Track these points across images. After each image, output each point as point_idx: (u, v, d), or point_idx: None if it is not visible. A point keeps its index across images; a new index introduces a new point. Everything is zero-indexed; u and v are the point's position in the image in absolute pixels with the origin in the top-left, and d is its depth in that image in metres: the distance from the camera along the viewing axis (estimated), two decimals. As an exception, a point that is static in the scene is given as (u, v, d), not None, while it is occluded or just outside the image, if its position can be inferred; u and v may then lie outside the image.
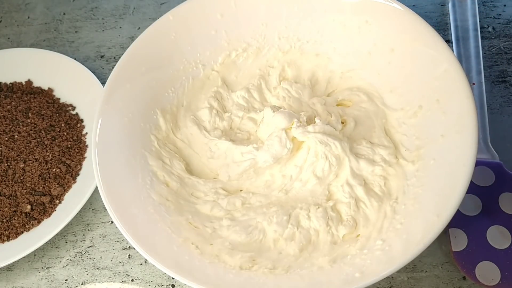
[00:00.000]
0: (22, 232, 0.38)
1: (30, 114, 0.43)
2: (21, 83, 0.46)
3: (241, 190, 0.35)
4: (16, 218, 0.38)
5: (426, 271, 0.34)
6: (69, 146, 0.41)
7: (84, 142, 0.42)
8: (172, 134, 0.37)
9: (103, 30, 0.49)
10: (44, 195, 0.39)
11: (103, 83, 0.41)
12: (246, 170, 0.35)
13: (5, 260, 0.36)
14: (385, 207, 0.32)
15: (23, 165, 0.40)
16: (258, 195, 0.34)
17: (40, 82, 0.46)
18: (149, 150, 0.35)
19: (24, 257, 0.36)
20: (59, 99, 0.45)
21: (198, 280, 0.28)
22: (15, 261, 0.36)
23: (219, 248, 0.31)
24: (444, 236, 0.34)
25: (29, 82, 0.46)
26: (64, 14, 0.52)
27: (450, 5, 0.44)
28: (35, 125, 0.42)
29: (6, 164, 0.40)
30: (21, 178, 0.40)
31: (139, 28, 0.49)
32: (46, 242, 0.36)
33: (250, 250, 0.32)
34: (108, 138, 0.33)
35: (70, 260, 0.38)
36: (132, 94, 0.36)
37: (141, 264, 0.37)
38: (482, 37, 0.42)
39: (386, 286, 0.34)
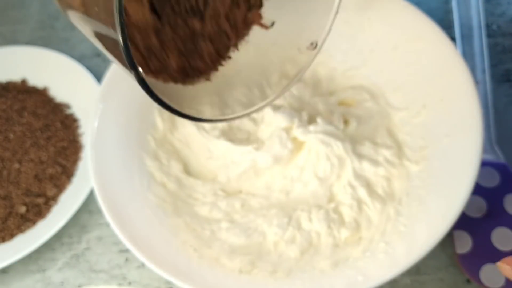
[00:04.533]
0: (17, 234, 0.37)
1: (25, 114, 0.43)
2: (16, 82, 0.46)
3: (240, 192, 0.35)
4: (11, 220, 0.38)
5: (429, 274, 0.33)
6: (65, 146, 0.41)
7: (80, 142, 0.41)
8: (169, 133, 0.37)
9: (100, 28, 0.49)
10: (40, 196, 0.39)
11: (100, 81, 0.40)
12: (246, 171, 0.34)
13: (0, 263, 0.35)
14: (388, 209, 0.31)
15: (18, 166, 0.40)
16: (258, 196, 0.34)
17: (36, 80, 0.45)
18: (146, 150, 0.35)
19: (19, 260, 0.36)
20: (54, 98, 0.44)
21: (196, 284, 0.28)
22: (10, 264, 0.35)
23: (218, 251, 0.31)
24: (448, 239, 0.33)
25: (24, 81, 0.46)
26: (60, 11, 0.51)
27: (454, 2, 0.43)
28: (30, 125, 0.42)
29: (1, 165, 0.40)
30: (16, 178, 0.39)
31: (137, 25, 0.48)
32: (42, 244, 0.36)
33: (250, 253, 0.31)
34: (104, 138, 0.33)
35: (66, 262, 0.37)
36: (128, 93, 0.35)
37: (138, 267, 0.36)
38: (486, 35, 0.41)
39: (389, 290, 0.33)
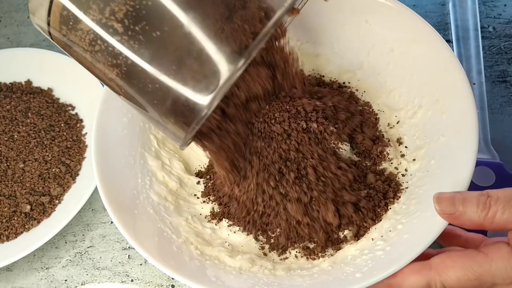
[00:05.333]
0: (22, 232, 0.38)
1: (29, 114, 0.43)
2: (20, 83, 0.46)
3: (241, 190, 0.35)
4: (15, 218, 0.38)
5: (426, 271, 0.34)
6: (69, 146, 0.41)
7: (84, 142, 0.42)
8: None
9: (102, 30, 0.49)
10: (44, 195, 0.39)
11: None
12: (246, 170, 0.34)
13: (4, 260, 0.36)
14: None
15: (22, 165, 0.40)
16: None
17: (40, 82, 0.46)
18: (148, 150, 0.35)
19: (23, 257, 0.36)
20: (58, 99, 0.45)
21: (198, 280, 0.28)
22: (14, 261, 0.36)
23: (219, 249, 0.31)
24: (444, 236, 0.34)
25: (28, 82, 0.46)
26: (63, 14, 0.51)
27: (450, 5, 0.44)
28: (34, 125, 0.42)
29: (5, 164, 0.40)
30: (21, 178, 0.40)
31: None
32: (46, 242, 0.36)
33: (250, 251, 0.31)
34: (107, 138, 0.33)
35: (70, 260, 0.38)
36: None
37: (140, 264, 0.37)
38: (482, 37, 0.42)
39: (387, 287, 0.34)
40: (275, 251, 0.31)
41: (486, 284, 0.21)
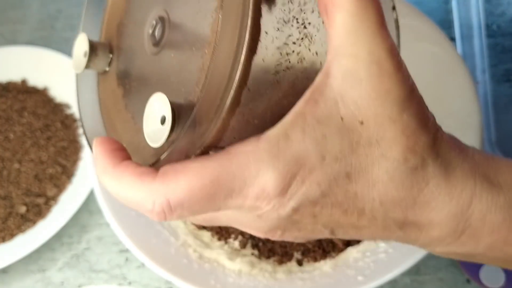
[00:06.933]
0: (17, 234, 0.37)
1: (25, 114, 0.43)
2: (16, 82, 0.46)
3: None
4: (11, 220, 0.38)
5: (430, 274, 0.33)
6: (65, 146, 0.41)
7: (80, 142, 0.41)
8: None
9: (100, 28, 0.49)
10: (40, 196, 0.39)
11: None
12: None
13: (0, 263, 0.35)
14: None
15: (18, 166, 0.40)
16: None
17: (36, 81, 0.45)
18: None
19: (19, 260, 0.36)
20: (54, 98, 0.44)
21: (196, 283, 0.28)
22: (10, 264, 0.35)
23: (218, 252, 0.31)
24: (448, 239, 0.33)
25: (24, 81, 0.46)
26: (60, 11, 0.51)
27: (454, 2, 0.43)
28: (30, 125, 0.42)
29: (1, 165, 0.40)
30: (16, 178, 0.39)
31: (137, 25, 0.48)
32: (42, 244, 0.36)
33: (250, 253, 0.31)
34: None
35: (66, 262, 0.37)
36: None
37: (138, 267, 0.36)
38: (486, 35, 0.41)
39: (389, 290, 0.33)
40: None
41: (225, 188, 0.14)
